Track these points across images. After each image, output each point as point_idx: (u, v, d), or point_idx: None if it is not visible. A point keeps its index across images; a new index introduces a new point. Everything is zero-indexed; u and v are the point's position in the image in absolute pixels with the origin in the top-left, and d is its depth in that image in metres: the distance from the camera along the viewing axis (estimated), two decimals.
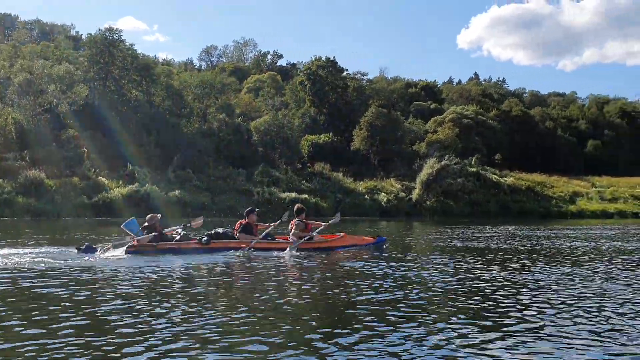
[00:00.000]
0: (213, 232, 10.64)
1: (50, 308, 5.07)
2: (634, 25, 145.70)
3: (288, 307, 5.26)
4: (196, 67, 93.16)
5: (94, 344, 3.89)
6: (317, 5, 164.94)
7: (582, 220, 39.20)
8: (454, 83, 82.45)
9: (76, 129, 40.12)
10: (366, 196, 41.63)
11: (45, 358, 3.59)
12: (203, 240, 10.19)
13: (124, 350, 3.75)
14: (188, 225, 11.00)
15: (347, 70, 62.55)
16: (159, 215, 10.70)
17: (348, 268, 8.35)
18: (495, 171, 47.10)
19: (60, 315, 4.77)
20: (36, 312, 4.90)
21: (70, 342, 3.92)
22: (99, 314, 4.85)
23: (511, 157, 55.18)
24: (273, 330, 4.31)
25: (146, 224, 10.39)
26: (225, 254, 9.89)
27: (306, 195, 39.92)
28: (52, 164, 35.95)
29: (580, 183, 48.69)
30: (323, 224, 11.36)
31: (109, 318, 4.68)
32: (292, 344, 3.95)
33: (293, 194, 40.00)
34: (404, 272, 7.70)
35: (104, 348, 3.80)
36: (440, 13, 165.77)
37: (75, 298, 5.60)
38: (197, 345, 3.86)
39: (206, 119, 46.46)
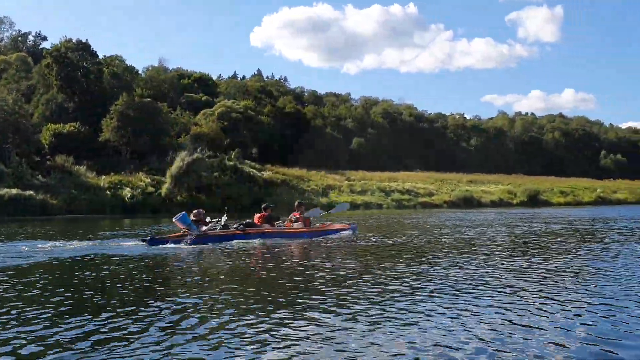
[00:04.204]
0: (245, 222, 13.75)
1: None
2: (407, 36, 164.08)
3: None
4: None
5: None
6: None
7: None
8: (239, 78, 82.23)
9: None
10: (107, 192, 38.09)
11: None
12: (240, 227, 13.29)
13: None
14: (221, 219, 13.68)
15: (121, 57, 57.74)
16: (203, 211, 13.45)
17: None
18: (255, 165, 47.21)
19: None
20: None
21: None
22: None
23: (282, 152, 56.38)
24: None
25: (193, 217, 12.70)
26: (260, 238, 12.99)
27: (31, 192, 35.01)
28: None
29: (336, 177, 51.45)
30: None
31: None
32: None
33: (14, 191, 34.72)
34: None
35: None
36: (235, 9, 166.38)
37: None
38: None
39: None
